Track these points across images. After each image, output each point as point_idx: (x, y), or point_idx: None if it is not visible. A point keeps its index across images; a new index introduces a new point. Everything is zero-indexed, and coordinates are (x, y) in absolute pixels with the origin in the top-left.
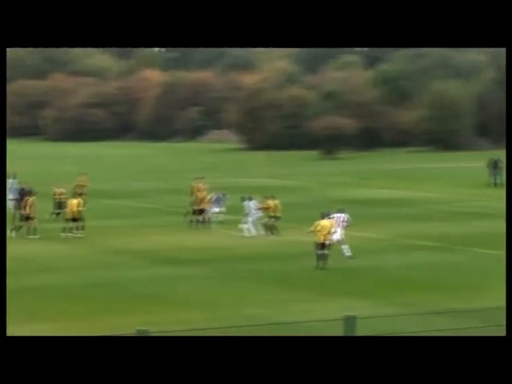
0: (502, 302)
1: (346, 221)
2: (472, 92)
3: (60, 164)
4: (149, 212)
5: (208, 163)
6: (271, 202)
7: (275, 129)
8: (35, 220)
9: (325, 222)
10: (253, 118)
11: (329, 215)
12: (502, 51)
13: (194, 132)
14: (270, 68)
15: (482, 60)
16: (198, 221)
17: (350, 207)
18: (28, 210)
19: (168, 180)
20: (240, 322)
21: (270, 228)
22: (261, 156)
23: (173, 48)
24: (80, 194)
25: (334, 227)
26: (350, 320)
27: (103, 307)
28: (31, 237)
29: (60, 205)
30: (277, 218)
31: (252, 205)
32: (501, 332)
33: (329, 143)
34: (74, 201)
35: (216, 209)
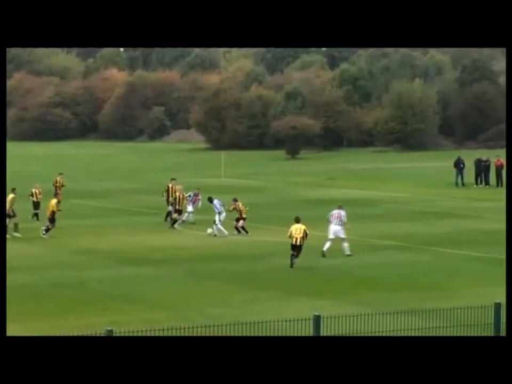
0: (467, 302)
1: (343, 218)
2: (434, 91)
3: (23, 164)
4: (113, 212)
5: (172, 163)
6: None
7: (239, 129)
8: (15, 218)
9: (297, 225)
10: (216, 117)
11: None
12: (464, 51)
13: (158, 132)
14: (233, 67)
15: (445, 59)
16: (175, 220)
17: (314, 207)
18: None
19: (132, 180)
20: (206, 322)
21: (237, 229)
22: (225, 155)
23: (135, 48)
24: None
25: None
26: (316, 320)
27: (69, 307)
28: (16, 234)
29: (37, 204)
30: (243, 219)
31: (216, 203)
32: (466, 331)
33: (293, 143)
34: (54, 201)
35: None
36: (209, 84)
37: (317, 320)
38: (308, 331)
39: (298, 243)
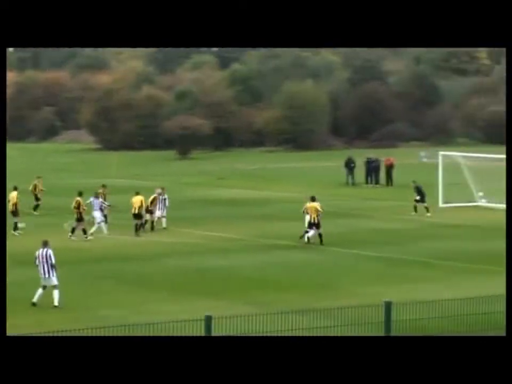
0: (357, 301)
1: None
2: (325, 92)
3: None
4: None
5: (62, 163)
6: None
7: (130, 129)
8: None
9: (312, 203)
10: (106, 118)
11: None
12: (355, 51)
13: (48, 132)
14: (123, 68)
15: (336, 60)
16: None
17: (206, 207)
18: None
19: (20, 180)
20: (96, 323)
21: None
22: (115, 156)
23: (25, 48)
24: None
25: None
26: (207, 320)
27: None
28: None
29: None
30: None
31: (96, 202)
32: (357, 330)
33: (184, 143)
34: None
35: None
36: (99, 84)
37: (208, 320)
38: (199, 332)
39: (314, 220)
